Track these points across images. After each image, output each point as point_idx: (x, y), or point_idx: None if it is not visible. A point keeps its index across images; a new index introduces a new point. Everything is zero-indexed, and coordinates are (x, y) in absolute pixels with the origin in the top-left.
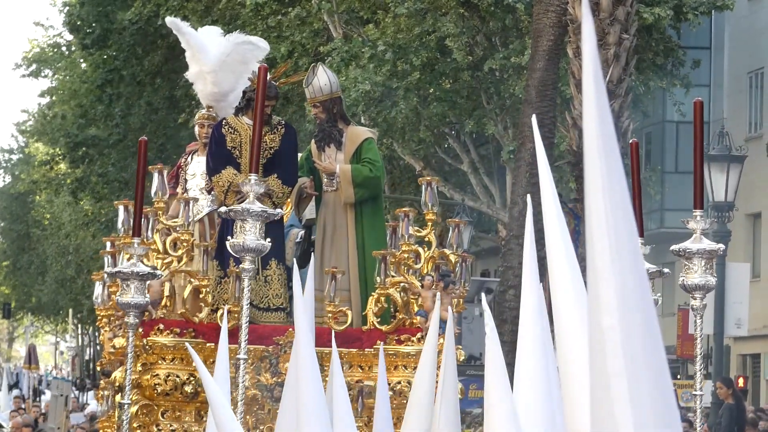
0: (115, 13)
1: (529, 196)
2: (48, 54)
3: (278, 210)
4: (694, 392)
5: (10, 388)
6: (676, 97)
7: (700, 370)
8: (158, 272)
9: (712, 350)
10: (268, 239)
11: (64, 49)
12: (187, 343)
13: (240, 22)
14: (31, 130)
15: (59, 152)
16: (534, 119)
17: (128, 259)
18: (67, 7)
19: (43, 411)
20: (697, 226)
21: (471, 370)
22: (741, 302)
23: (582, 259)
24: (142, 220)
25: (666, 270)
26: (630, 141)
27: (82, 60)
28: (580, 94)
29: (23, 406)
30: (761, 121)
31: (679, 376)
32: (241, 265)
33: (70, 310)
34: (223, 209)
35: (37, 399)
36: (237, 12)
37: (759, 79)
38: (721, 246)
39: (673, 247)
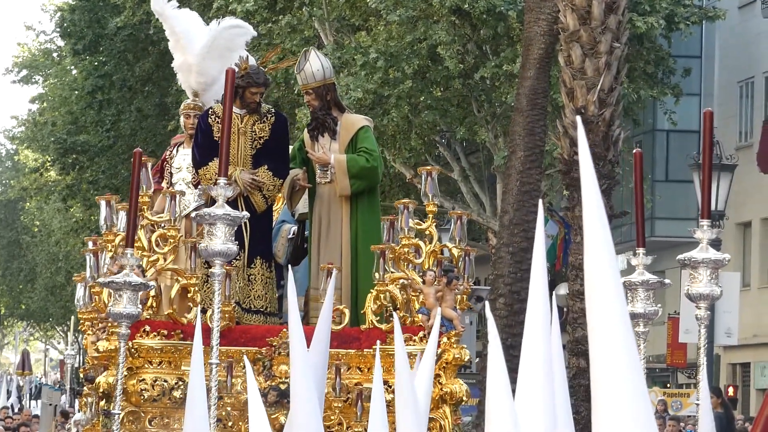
0: (106, 20)
1: (540, 202)
2: (39, 60)
3: (245, 212)
4: (696, 402)
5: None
6: (666, 105)
7: (704, 379)
8: (151, 283)
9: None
10: (247, 239)
11: (55, 55)
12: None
13: None
14: (21, 136)
15: (49, 159)
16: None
17: (116, 266)
18: (59, 13)
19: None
20: (704, 235)
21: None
22: (731, 311)
23: (573, 267)
24: (124, 215)
25: (668, 281)
26: (634, 151)
27: (72, 67)
28: (570, 102)
29: (10, 415)
30: (751, 130)
31: (669, 385)
32: (210, 270)
33: (72, 318)
34: (193, 214)
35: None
36: None
37: (749, 88)
38: (727, 256)
39: (679, 256)
